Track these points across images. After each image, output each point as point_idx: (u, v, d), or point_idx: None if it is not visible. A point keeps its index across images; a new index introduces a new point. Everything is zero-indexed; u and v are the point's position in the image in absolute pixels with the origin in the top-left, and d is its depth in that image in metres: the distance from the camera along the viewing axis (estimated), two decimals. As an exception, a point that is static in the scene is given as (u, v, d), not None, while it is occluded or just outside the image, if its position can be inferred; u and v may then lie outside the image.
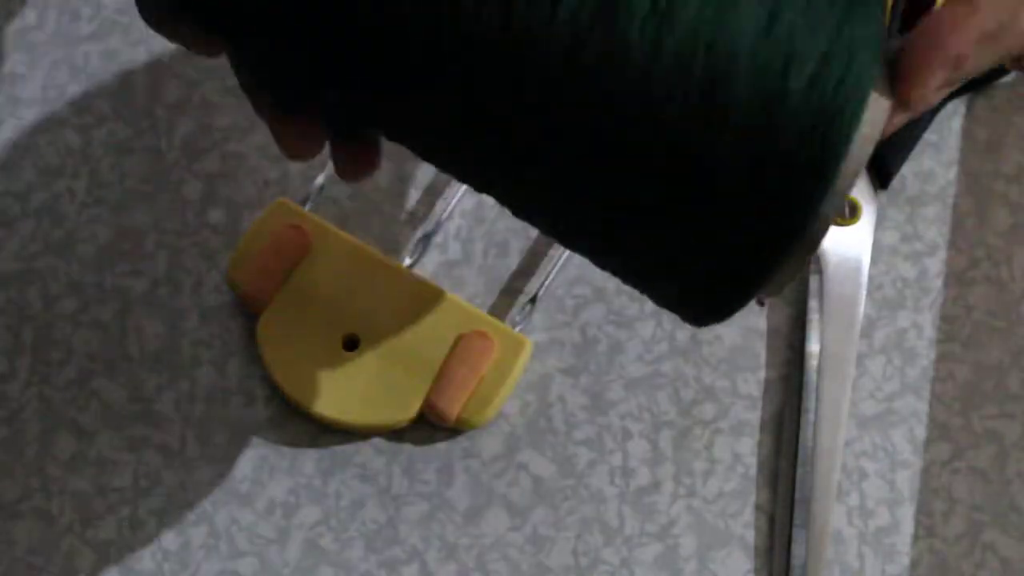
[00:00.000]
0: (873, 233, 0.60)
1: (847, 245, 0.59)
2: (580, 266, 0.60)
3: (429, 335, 0.58)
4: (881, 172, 0.60)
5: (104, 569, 0.57)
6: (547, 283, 0.59)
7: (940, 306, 0.59)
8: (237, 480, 0.58)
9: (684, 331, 0.59)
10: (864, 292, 0.58)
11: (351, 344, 0.59)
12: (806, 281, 0.59)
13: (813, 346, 0.58)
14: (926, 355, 0.58)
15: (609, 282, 0.60)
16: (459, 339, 0.57)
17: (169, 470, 0.58)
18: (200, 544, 0.57)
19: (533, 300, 0.59)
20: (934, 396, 0.58)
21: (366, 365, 0.58)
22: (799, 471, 0.56)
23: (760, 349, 0.59)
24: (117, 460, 0.58)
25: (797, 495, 0.56)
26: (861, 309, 0.58)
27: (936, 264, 0.60)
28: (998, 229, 0.60)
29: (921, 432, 0.57)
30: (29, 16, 0.65)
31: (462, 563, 0.56)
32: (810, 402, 0.57)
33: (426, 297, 0.58)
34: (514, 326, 0.59)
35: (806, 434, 0.56)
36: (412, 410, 0.57)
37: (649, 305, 0.59)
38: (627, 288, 0.60)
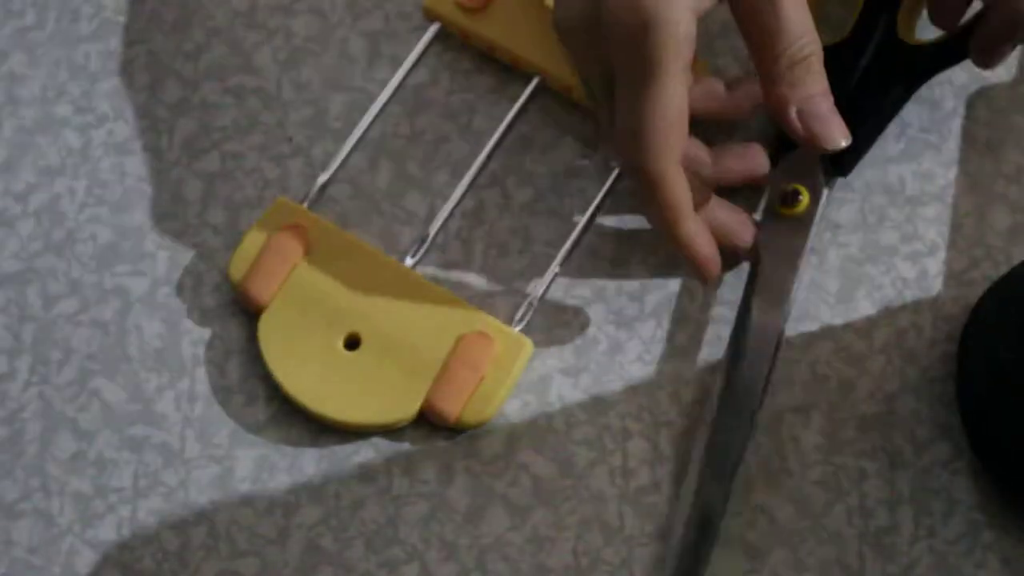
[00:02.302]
0: (817, 223, 0.59)
1: (785, 233, 0.59)
2: (580, 266, 0.60)
3: (430, 335, 0.58)
4: (840, 160, 0.59)
5: (104, 569, 0.57)
6: (549, 285, 0.59)
7: (940, 306, 0.59)
8: (237, 480, 0.58)
9: (684, 331, 0.59)
10: (795, 282, 0.58)
11: (351, 344, 0.59)
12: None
13: (743, 325, 0.58)
14: (926, 355, 0.58)
15: (609, 282, 0.60)
16: (460, 339, 0.57)
17: (169, 470, 0.58)
18: (200, 544, 0.57)
19: (535, 302, 0.59)
20: (934, 396, 0.58)
21: (366, 365, 0.58)
22: (707, 454, 0.56)
23: (760, 349, 0.59)
24: (117, 460, 0.58)
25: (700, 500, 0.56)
26: (789, 298, 0.58)
27: (936, 264, 0.60)
28: (998, 229, 0.60)
29: (921, 432, 0.57)
30: (29, 16, 0.65)
31: (462, 563, 0.56)
32: (728, 379, 0.57)
33: (427, 297, 0.58)
34: (515, 326, 0.59)
35: (722, 416, 0.56)
36: (412, 410, 0.57)
37: (649, 305, 0.59)
38: (627, 288, 0.60)
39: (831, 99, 0.54)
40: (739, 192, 0.60)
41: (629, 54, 0.52)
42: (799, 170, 0.59)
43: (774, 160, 0.60)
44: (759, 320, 0.57)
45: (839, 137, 0.54)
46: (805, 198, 0.59)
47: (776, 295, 0.58)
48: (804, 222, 0.59)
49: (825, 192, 0.59)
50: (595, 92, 0.55)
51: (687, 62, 0.52)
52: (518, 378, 0.58)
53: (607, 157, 0.60)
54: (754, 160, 0.58)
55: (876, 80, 0.60)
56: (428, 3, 0.63)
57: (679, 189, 0.53)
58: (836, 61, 0.60)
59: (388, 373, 0.57)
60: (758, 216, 0.60)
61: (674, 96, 0.52)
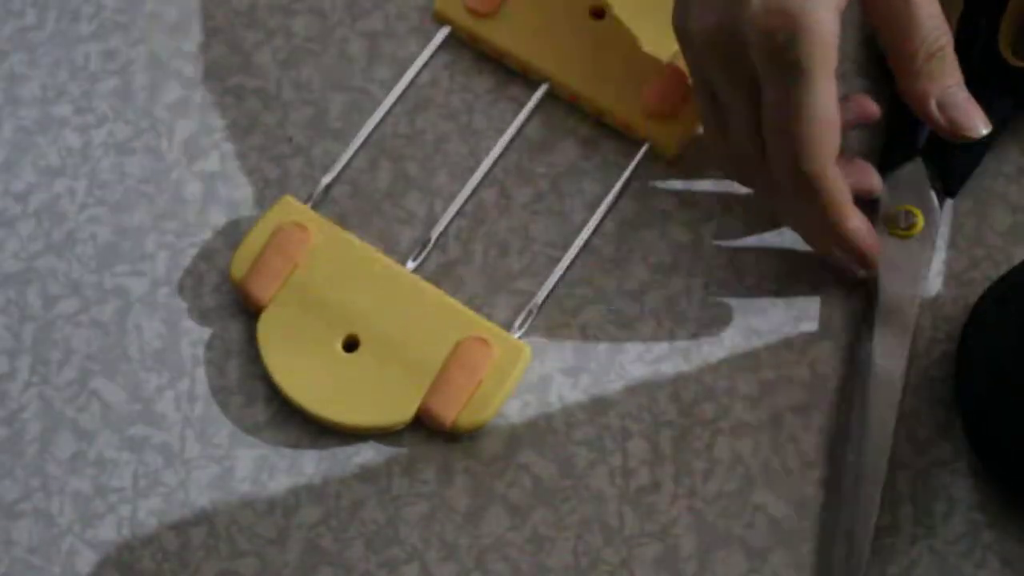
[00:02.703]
0: (935, 245, 0.59)
1: (903, 257, 0.58)
2: (580, 266, 0.60)
3: (428, 339, 0.58)
4: (947, 182, 0.59)
5: (104, 569, 0.57)
6: (551, 290, 0.59)
7: (940, 306, 0.59)
8: (237, 480, 0.58)
9: (684, 331, 0.59)
10: (917, 307, 0.57)
11: (350, 346, 0.59)
12: (860, 286, 0.59)
13: (865, 355, 0.57)
14: (926, 355, 0.58)
15: (609, 282, 0.60)
16: (458, 344, 0.57)
17: (169, 470, 0.58)
18: (200, 544, 0.57)
19: (535, 309, 0.59)
20: (934, 396, 0.58)
21: (364, 367, 0.58)
22: (844, 480, 0.56)
23: (760, 349, 0.59)
24: (117, 460, 0.58)
25: (841, 502, 0.56)
26: (914, 323, 0.57)
27: (936, 264, 0.60)
28: (998, 229, 0.60)
29: (921, 432, 0.57)
30: (29, 16, 0.65)
31: (462, 563, 0.56)
32: (854, 414, 0.56)
33: (427, 301, 0.58)
34: (514, 333, 0.58)
35: (852, 446, 0.56)
36: (408, 414, 0.57)
37: (649, 305, 0.59)
38: (627, 288, 0.60)
39: (965, 88, 0.55)
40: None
41: (779, 60, 0.52)
42: (907, 190, 0.59)
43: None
44: (885, 350, 0.57)
45: (980, 125, 0.55)
46: (920, 220, 0.58)
47: (901, 320, 0.57)
48: (921, 243, 0.58)
49: (939, 213, 0.59)
50: (726, 100, 0.55)
51: (835, 61, 0.52)
52: (516, 384, 0.58)
53: (721, 171, 0.59)
54: (863, 177, 0.58)
55: (978, 96, 0.58)
56: (439, 7, 0.63)
57: (840, 185, 0.54)
58: None
59: (385, 376, 0.57)
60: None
61: (828, 97, 0.52)
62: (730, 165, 0.57)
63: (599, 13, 0.63)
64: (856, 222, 0.55)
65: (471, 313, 0.58)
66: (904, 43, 0.54)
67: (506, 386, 0.57)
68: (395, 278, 0.59)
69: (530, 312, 0.59)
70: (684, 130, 0.60)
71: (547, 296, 0.59)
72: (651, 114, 0.60)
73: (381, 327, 0.58)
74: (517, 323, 0.59)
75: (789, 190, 0.54)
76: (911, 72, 0.54)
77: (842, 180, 0.54)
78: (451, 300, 0.58)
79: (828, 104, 0.52)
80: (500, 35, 0.62)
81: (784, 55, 0.52)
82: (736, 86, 0.54)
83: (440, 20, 0.63)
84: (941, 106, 0.54)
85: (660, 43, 0.62)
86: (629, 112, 0.61)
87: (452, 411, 0.57)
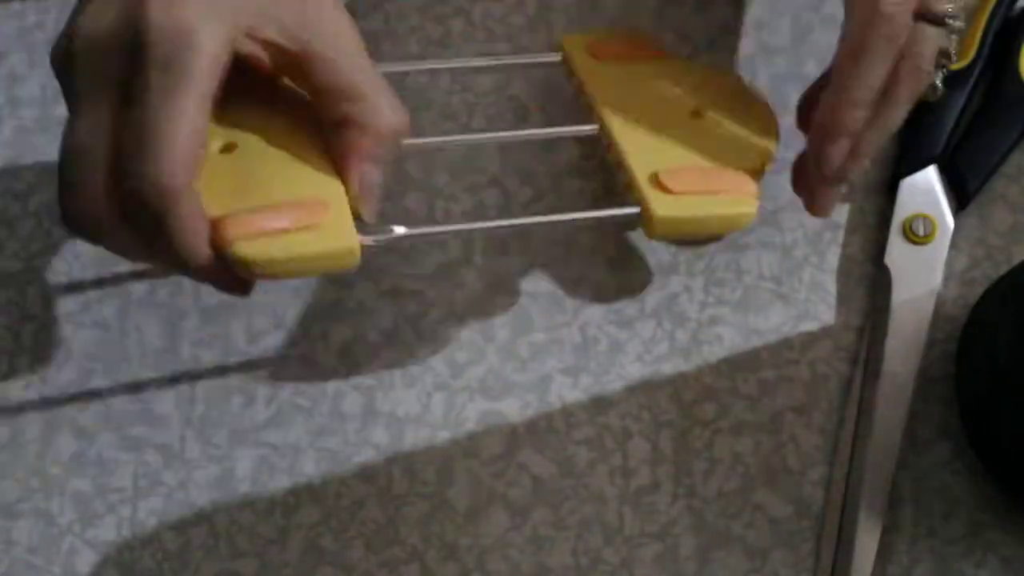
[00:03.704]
0: (947, 253, 0.59)
1: (918, 264, 0.59)
2: (580, 266, 0.60)
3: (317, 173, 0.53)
4: (960, 192, 0.60)
5: (104, 569, 0.57)
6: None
7: (940, 306, 0.59)
8: (237, 480, 0.58)
9: (684, 331, 0.59)
10: (931, 313, 0.58)
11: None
12: (871, 291, 0.59)
13: (875, 357, 0.58)
14: (926, 355, 0.58)
15: (609, 281, 0.60)
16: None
17: (169, 470, 0.58)
18: (200, 544, 0.57)
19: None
20: (934, 396, 0.58)
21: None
22: (851, 478, 0.56)
23: (760, 349, 0.59)
24: (117, 460, 0.58)
25: (843, 506, 0.56)
26: (926, 330, 0.58)
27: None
28: (998, 229, 0.60)
29: (921, 432, 0.57)
30: (29, 16, 0.65)
31: (462, 563, 0.56)
32: (861, 414, 0.57)
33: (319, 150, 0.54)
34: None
35: (858, 447, 0.56)
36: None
37: (649, 305, 0.59)
38: (627, 288, 0.60)
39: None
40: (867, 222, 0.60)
41: (163, 64, 0.49)
42: (922, 197, 0.59)
43: (893, 184, 0.60)
44: (896, 353, 0.57)
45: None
46: (935, 228, 0.59)
47: (914, 325, 0.58)
48: (935, 250, 0.59)
49: (950, 221, 0.59)
50: (88, 118, 0.50)
51: (215, 87, 0.50)
52: (324, 265, 0.51)
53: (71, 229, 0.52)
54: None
55: (995, 113, 0.60)
56: (566, 46, 0.60)
57: (200, 209, 0.50)
58: (957, 83, 0.61)
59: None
60: (887, 239, 0.60)
61: (202, 110, 0.50)
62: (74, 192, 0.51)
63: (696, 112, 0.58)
64: (208, 250, 0.51)
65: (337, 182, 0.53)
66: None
67: (311, 248, 0.51)
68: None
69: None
70: (677, 213, 0.54)
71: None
72: (659, 185, 0.55)
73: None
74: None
75: (137, 223, 0.50)
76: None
77: (201, 205, 0.50)
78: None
79: (200, 117, 0.49)
80: (599, 81, 0.59)
81: (171, 60, 0.49)
82: (101, 96, 0.50)
83: (565, 59, 0.60)
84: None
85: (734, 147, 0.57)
86: (640, 170, 0.55)
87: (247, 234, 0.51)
